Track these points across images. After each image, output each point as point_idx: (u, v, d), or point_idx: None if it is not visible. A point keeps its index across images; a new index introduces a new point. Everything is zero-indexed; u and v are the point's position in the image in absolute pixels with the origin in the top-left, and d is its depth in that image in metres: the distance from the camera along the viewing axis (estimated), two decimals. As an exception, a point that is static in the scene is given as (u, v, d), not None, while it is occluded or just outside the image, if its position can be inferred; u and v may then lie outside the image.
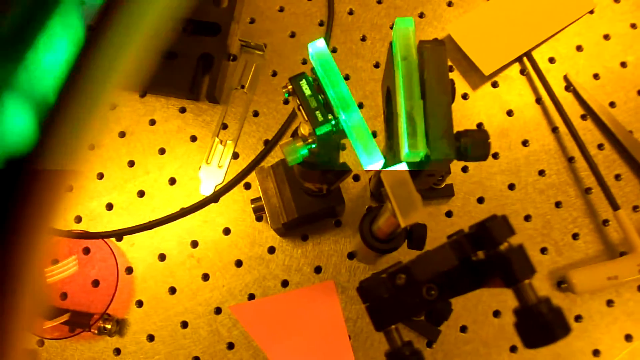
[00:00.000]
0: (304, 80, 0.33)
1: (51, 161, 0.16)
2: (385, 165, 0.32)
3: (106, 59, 0.16)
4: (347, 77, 0.62)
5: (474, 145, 0.31)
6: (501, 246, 0.26)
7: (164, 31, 0.18)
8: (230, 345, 0.56)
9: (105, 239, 0.57)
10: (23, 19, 0.15)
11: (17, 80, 0.14)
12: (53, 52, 0.15)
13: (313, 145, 0.34)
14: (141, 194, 0.59)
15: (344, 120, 0.31)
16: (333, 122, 0.33)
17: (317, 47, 0.32)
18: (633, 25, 0.63)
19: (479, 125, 0.61)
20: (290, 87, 0.33)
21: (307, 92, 0.33)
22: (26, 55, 0.15)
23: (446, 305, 0.41)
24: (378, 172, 0.45)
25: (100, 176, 0.60)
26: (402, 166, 0.29)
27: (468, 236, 0.29)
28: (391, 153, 0.37)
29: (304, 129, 0.35)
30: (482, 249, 0.28)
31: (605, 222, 0.58)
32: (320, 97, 0.33)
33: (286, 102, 0.61)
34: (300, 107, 0.33)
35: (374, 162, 0.30)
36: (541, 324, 0.25)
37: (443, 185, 0.57)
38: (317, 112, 0.32)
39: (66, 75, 0.15)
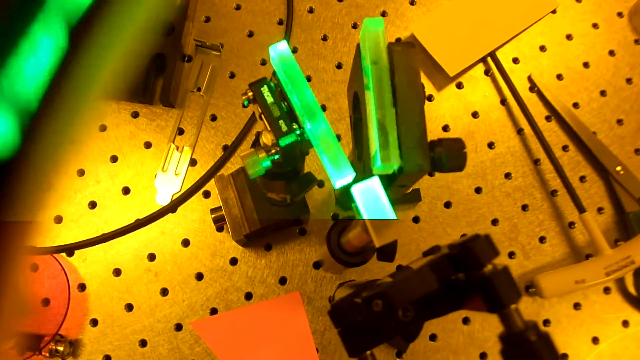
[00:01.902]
0: (265, 87, 0.30)
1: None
2: (355, 177, 0.30)
3: (89, 67, 0.16)
4: (308, 79, 0.60)
5: (450, 155, 0.30)
6: (485, 268, 0.25)
7: (147, 37, 0.18)
8: (192, 364, 0.53)
9: (55, 255, 0.53)
10: (4, 24, 0.14)
11: None
12: (36, 57, 0.15)
13: (276, 157, 0.32)
14: (93, 205, 0.55)
15: (310, 130, 0.29)
16: (298, 132, 0.30)
17: (279, 49, 0.30)
18: (595, 25, 0.63)
19: (445, 127, 0.59)
20: (250, 94, 0.31)
21: (269, 99, 0.30)
22: (7, 60, 0.14)
23: (419, 326, 0.39)
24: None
25: (49, 187, 0.56)
26: (374, 180, 0.27)
27: (448, 257, 0.27)
28: (360, 163, 0.35)
29: (266, 138, 0.33)
30: (463, 270, 0.26)
31: (572, 224, 0.58)
32: (283, 105, 0.30)
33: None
34: (262, 116, 0.30)
35: (344, 177, 0.28)
36: (529, 351, 0.23)
37: (410, 191, 0.56)
38: (281, 122, 0.30)
39: (49, 82, 0.15)
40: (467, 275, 0.26)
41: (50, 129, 0.16)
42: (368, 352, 0.28)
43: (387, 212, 0.27)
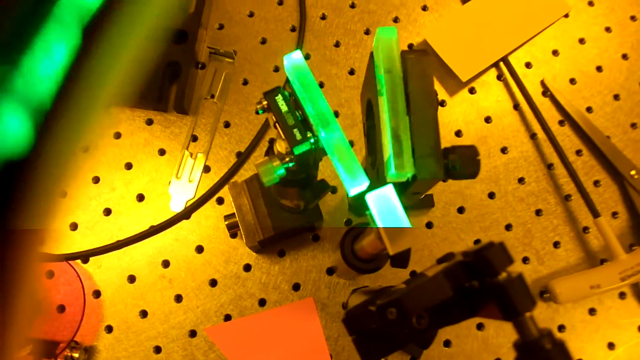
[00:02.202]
0: (279, 96, 0.31)
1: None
2: (369, 184, 0.30)
3: (101, 69, 0.16)
4: (321, 85, 0.60)
5: (463, 162, 0.30)
6: (499, 276, 0.25)
7: (158, 42, 0.18)
8: (206, 370, 0.53)
9: (70, 261, 0.53)
10: (19, 22, 0.14)
11: (12, 84, 0.14)
12: (49, 57, 0.15)
13: (290, 165, 0.32)
14: (107, 212, 0.56)
15: (324, 138, 0.29)
16: (312, 141, 0.30)
17: (294, 59, 0.30)
18: (607, 29, 0.63)
19: (458, 132, 0.59)
20: (264, 102, 0.31)
21: (284, 108, 0.30)
22: (22, 59, 0.14)
23: (434, 331, 0.39)
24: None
25: (63, 194, 0.56)
26: (388, 188, 0.27)
27: (463, 264, 0.27)
28: (373, 170, 0.35)
29: (280, 147, 0.33)
30: (478, 278, 0.26)
31: (586, 229, 0.57)
32: (297, 113, 0.31)
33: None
34: (277, 125, 0.31)
35: (359, 185, 0.28)
36: (544, 359, 0.23)
37: (423, 196, 0.56)
38: (295, 130, 0.30)
39: (63, 81, 0.15)
40: (482, 283, 0.26)
41: (63, 132, 0.16)
42: (383, 360, 0.28)
43: (402, 219, 0.27)
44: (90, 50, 0.16)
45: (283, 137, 0.30)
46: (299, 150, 0.30)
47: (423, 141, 0.29)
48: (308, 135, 0.30)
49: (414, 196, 0.34)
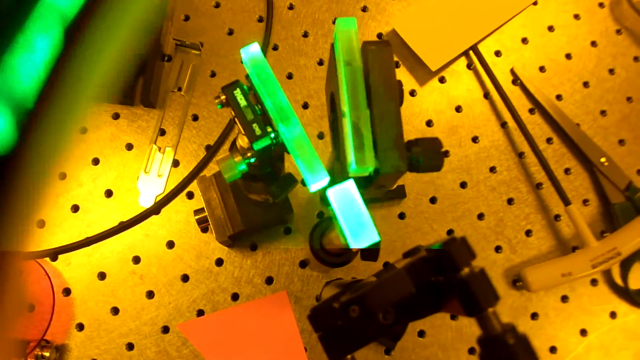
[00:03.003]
0: (238, 90, 0.30)
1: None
2: (333, 178, 0.29)
3: (83, 66, 0.16)
4: (290, 76, 0.59)
5: (426, 155, 0.29)
6: (462, 271, 0.24)
7: (139, 39, 0.18)
8: (180, 366, 0.52)
9: (38, 259, 0.52)
10: (0, 20, 0.14)
11: None
12: (31, 54, 0.15)
13: (252, 160, 0.31)
14: (75, 208, 0.55)
15: (283, 133, 0.28)
16: (272, 135, 0.30)
17: (251, 52, 0.29)
18: (576, 16, 0.63)
19: (428, 122, 0.59)
20: (223, 97, 0.30)
21: (242, 102, 0.30)
22: (3, 56, 0.14)
23: (403, 325, 0.39)
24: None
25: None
26: (349, 183, 0.27)
27: (427, 260, 0.26)
28: (338, 163, 0.34)
29: (242, 141, 0.32)
30: (441, 273, 0.26)
31: (557, 217, 0.58)
32: (257, 108, 0.30)
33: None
34: (236, 119, 0.30)
35: (319, 181, 0.28)
36: (507, 355, 0.23)
37: (394, 187, 0.56)
38: (254, 125, 0.29)
39: (45, 79, 0.15)
40: (445, 278, 0.25)
41: (44, 129, 0.16)
42: (349, 357, 0.28)
43: (363, 215, 0.27)
44: (72, 49, 0.15)
45: (243, 132, 0.30)
46: (258, 145, 0.29)
47: (385, 134, 0.29)
48: (268, 130, 0.30)
49: (380, 189, 0.34)
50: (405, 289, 0.25)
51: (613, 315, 0.57)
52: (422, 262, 0.27)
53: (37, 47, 0.15)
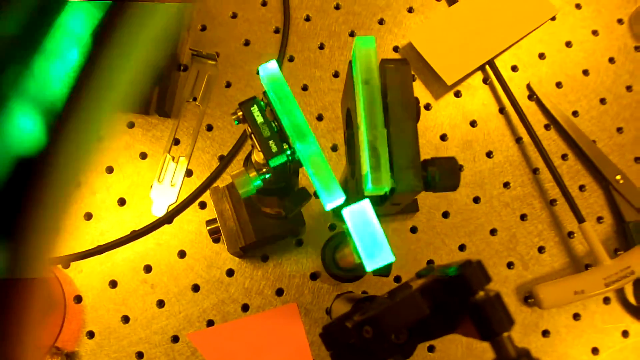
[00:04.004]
0: (255, 106, 0.30)
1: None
2: (347, 195, 0.29)
3: (106, 75, 0.16)
4: (305, 88, 0.59)
5: (443, 175, 0.29)
6: (477, 295, 0.24)
7: (160, 49, 0.18)
8: (189, 376, 0.52)
9: (50, 266, 0.52)
10: (30, 23, 0.15)
11: (24, 84, 0.15)
12: (61, 60, 0.15)
13: (267, 176, 0.31)
14: (88, 216, 0.55)
15: (300, 151, 0.28)
16: (288, 152, 0.30)
17: (269, 69, 0.29)
18: (594, 32, 0.63)
19: (443, 136, 0.59)
20: (240, 113, 0.30)
21: (259, 119, 0.30)
22: (34, 60, 0.15)
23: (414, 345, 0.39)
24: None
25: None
26: (365, 203, 0.27)
27: (440, 281, 0.26)
28: (353, 180, 0.34)
29: (258, 156, 0.32)
30: (455, 295, 0.25)
31: (571, 234, 0.57)
32: (274, 125, 0.30)
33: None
34: (252, 136, 0.30)
35: (334, 200, 0.28)
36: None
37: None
38: (271, 142, 0.29)
39: (73, 83, 0.15)
40: (459, 301, 0.25)
41: (74, 134, 0.16)
42: (360, 376, 0.28)
43: (378, 235, 0.26)
44: (98, 56, 0.16)
45: (259, 148, 0.30)
46: (274, 162, 0.29)
47: (402, 153, 0.29)
48: (284, 147, 0.30)
49: (394, 207, 0.34)
50: (419, 312, 0.25)
51: (625, 334, 0.56)
52: (437, 283, 0.26)
53: (66, 54, 0.15)
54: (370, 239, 0.26)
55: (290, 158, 0.30)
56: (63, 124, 0.15)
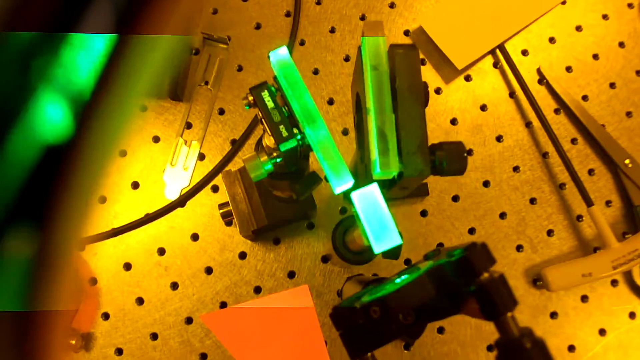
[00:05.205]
0: (266, 91, 0.31)
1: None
2: (357, 178, 0.30)
3: (134, 62, 0.16)
4: (316, 72, 0.60)
5: (450, 159, 0.30)
6: (481, 276, 0.25)
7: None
8: (203, 356, 0.54)
9: (66, 248, 0.54)
10: (58, 14, 0.15)
11: (52, 73, 0.15)
12: (87, 48, 0.15)
13: (278, 160, 0.32)
14: (102, 199, 0.56)
15: (310, 136, 0.29)
16: (299, 137, 0.30)
17: (279, 55, 0.30)
18: (605, 17, 0.62)
19: (453, 120, 0.59)
20: (250, 98, 0.31)
21: (270, 104, 0.30)
22: (61, 48, 0.15)
23: (422, 325, 0.39)
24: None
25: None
26: (373, 187, 0.27)
27: (446, 263, 0.27)
28: (363, 165, 0.35)
29: (269, 140, 0.33)
30: (461, 277, 0.26)
31: (579, 217, 0.58)
32: (284, 110, 0.31)
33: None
34: (263, 121, 0.31)
35: (343, 183, 0.28)
36: (524, 358, 0.23)
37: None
38: (281, 127, 0.30)
39: (100, 73, 0.15)
40: (465, 282, 0.26)
41: (97, 123, 0.16)
42: (369, 354, 0.29)
43: (386, 218, 0.27)
44: (125, 43, 0.16)
45: (269, 133, 0.30)
46: (285, 147, 0.30)
47: (410, 138, 0.29)
48: (295, 131, 0.30)
49: (402, 190, 0.34)
50: (427, 293, 0.26)
51: (632, 315, 0.56)
52: (443, 265, 0.27)
53: (92, 42, 0.15)
54: (378, 222, 0.27)
55: (300, 142, 0.31)
56: (90, 113, 0.16)
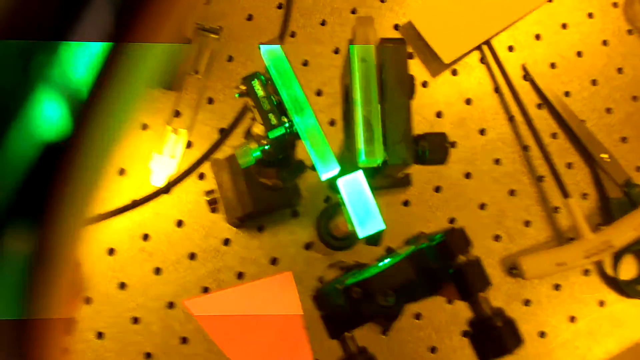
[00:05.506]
0: (256, 80, 0.31)
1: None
2: (343, 167, 0.31)
3: (134, 57, 0.16)
4: (305, 63, 0.60)
5: (432, 149, 0.31)
6: (458, 259, 0.26)
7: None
8: (184, 340, 0.54)
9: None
10: (56, 12, 0.15)
11: (50, 72, 0.15)
12: (85, 46, 0.15)
13: (266, 147, 0.33)
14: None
15: (298, 124, 0.30)
16: (287, 125, 0.31)
17: (269, 45, 0.31)
18: (590, 15, 0.64)
19: (438, 113, 0.60)
20: (243, 87, 0.32)
21: (260, 93, 0.31)
22: (59, 47, 0.15)
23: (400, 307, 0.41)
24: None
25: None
26: (358, 174, 0.28)
27: (428, 248, 0.28)
28: (349, 153, 0.36)
29: (258, 129, 0.34)
30: (440, 260, 0.27)
31: (556, 209, 0.59)
32: (273, 98, 0.31)
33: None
34: (253, 108, 0.31)
35: (330, 170, 0.29)
36: (495, 336, 0.24)
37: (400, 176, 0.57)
38: (271, 115, 0.31)
39: (98, 72, 0.15)
40: (443, 265, 0.27)
41: (97, 123, 0.16)
42: (348, 334, 0.30)
43: (371, 204, 0.28)
44: (124, 37, 0.16)
45: (259, 121, 0.31)
46: (273, 134, 0.31)
47: (395, 128, 0.30)
48: (283, 119, 0.31)
49: (386, 179, 0.35)
50: (407, 276, 0.27)
51: (602, 303, 0.58)
52: (424, 249, 0.28)
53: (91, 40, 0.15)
54: (362, 208, 0.28)
55: (288, 130, 0.31)
56: (88, 111, 0.16)
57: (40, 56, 0.15)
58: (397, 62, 0.31)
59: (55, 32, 0.15)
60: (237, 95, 0.31)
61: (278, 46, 0.30)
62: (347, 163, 0.37)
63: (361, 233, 0.28)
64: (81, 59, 0.16)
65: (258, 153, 0.33)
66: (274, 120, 0.31)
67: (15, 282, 0.16)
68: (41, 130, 0.15)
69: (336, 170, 0.29)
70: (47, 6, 0.15)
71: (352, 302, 0.28)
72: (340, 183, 0.28)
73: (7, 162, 0.15)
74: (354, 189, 0.28)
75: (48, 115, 0.15)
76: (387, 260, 0.29)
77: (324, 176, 0.30)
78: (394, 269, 0.27)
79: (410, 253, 0.28)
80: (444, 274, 0.27)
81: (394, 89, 0.31)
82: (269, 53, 0.30)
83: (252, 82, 0.31)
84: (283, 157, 0.38)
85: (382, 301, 0.30)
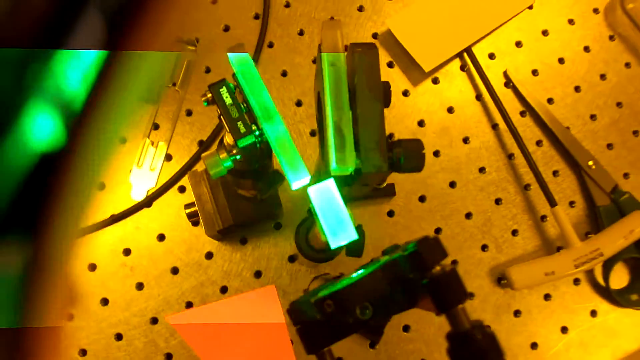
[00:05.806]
0: (224, 88, 0.31)
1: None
2: (321, 177, 0.30)
3: (126, 72, 0.16)
4: (284, 74, 0.60)
5: (408, 156, 0.30)
6: (433, 270, 0.25)
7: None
8: (169, 356, 0.53)
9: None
10: (49, 24, 0.15)
11: (44, 83, 0.15)
12: (78, 58, 0.15)
13: (238, 157, 0.32)
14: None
15: (267, 132, 0.29)
16: (257, 133, 0.30)
17: (237, 52, 0.30)
18: (571, 21, 0.64)
19: (420, 122, 0.60)
20: (209, 95, 0.31)
21: (228, 100, 0.30)
22: (52, 59, 0.15)
23: (379, 320, 0.40)
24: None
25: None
26: (329, 182, 0.27)
27: (402, 258, 0.27)
28: (324, 162, 0.35)
29: (229, 138, 0.33)
30: (414, 270, 0.26)
31: (543, 217, 0.59)
32: (242, 106, 0.31)
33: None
34: (221, 117, 0.30)
35: (300, 179, 0.28)
36: (475, 350, 0.24)
37: (384, 185, 0.56)
38: (239, 123, 0.30)
39: (92, 83, 0.15)
40: (419, 276, 0.26)
41: (88, 136, 0.16)
42: (325, 349, 0.29)
43: (342, 213, 0.27)
44: (117, 52, 0.16)
45: (228, 130, 0.30)
46: (242, 142, 0.30)
47: (368, 135, 0.30)
48: (253, 128, 0.30)
49: (363, 187, 0.34)
50: (381, 287, 0.26)
51: (594, 313, 0.57)
52: (397, 259, 0.27)
53: (84, 53, 0.15)
54: (334, 218, 0.27)
55: (259, 139, 0.31)
56: (82, 123, 0.16)
57: (35, 65, 0.15)
58: (368, 67, 0.31)
59: (48, 42, 0.15)
60: (205, 104, 0.31)
61: (246, 53, 0.30)
62: (324, 173, 0.36)
63: (333, 243, 0.27)
64: (75, 70, 0.15)
65: (229, 163, 0.32)
66: (242, 129, 0.30)
67: (9, 293, 0.16)
68: (35, 142, 0.15)
69: (307, 178, 0.28)
70: (40, 16, 0.15)
71: (326, 316, 0.27)
72: (311, 191, 0.28)
73: (0, 173, 0.15)
74: (326, 198, 0.27)
75: (42, 127, 0.15)
76: (360, 271, 0.28)
77: (295, 185, 0.29)
78: (367, 280, 0.26)
79: (384, 263, 0.27)
80: (419, 285, 0.26)
81: (367, 95, 0.30)
82: (236, 59, 0.29)
83: (220, 90, 0.30)
84: (259, 168, 0.37)
85: (359, 314, 0.29)
